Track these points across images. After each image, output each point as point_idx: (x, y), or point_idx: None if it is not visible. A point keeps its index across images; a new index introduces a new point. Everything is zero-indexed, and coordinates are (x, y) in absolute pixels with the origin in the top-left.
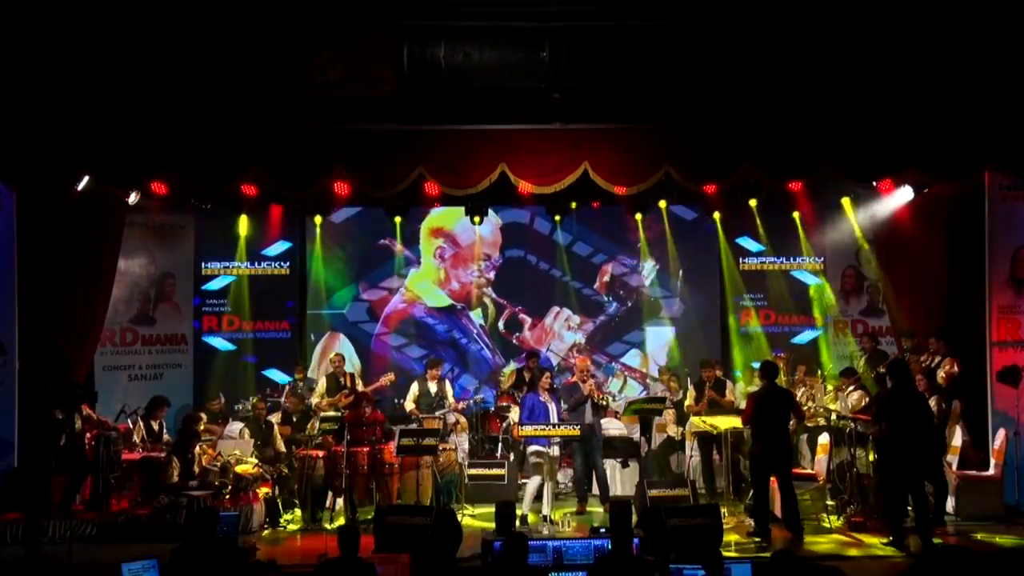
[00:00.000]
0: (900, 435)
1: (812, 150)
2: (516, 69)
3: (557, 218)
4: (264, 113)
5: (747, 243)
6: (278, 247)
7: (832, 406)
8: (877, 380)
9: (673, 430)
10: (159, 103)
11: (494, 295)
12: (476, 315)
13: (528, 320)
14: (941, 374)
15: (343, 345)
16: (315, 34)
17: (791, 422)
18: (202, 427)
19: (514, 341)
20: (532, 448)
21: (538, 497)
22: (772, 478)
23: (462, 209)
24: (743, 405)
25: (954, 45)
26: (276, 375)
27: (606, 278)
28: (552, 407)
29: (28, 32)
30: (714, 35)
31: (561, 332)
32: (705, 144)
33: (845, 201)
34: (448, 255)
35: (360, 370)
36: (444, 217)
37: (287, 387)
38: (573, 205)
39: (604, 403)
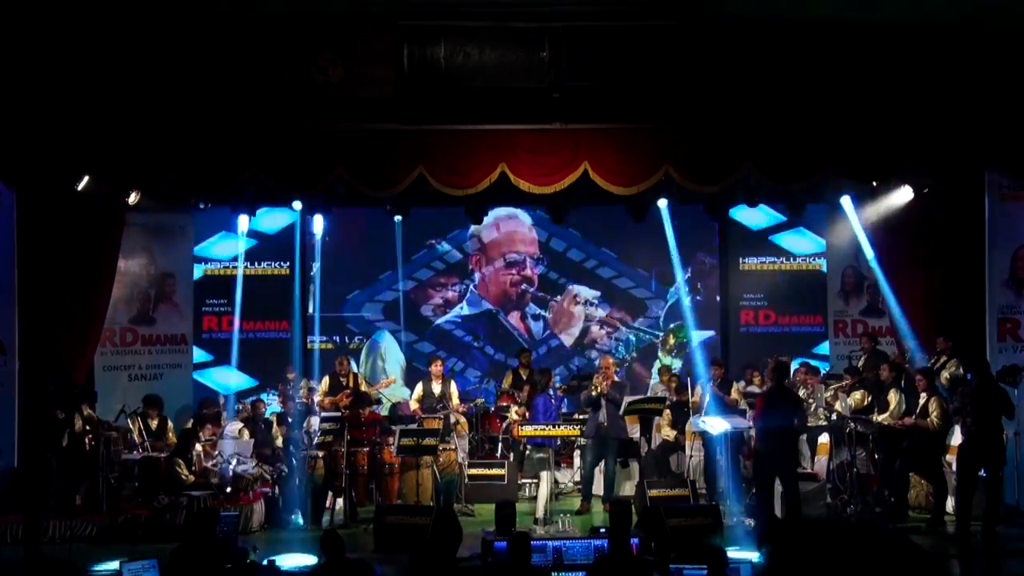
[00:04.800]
0: (983, 428)
1: (812, 150)
2: (516, 69)
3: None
4: (264, 113)
5: (746, 244)
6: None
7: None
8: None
9: (668, 432)
10: (159, 103)
11: (533, 291)
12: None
13: (553, 306)
14: (946, 375)
15: (388, 343)
16: (315, 34)
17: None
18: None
19: (549, 331)
20: (534, 447)
21: (533, 497)
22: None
23: (498, 215)
24: (743, 404)
25: (953, 45)
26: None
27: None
28: (553, 408)
29: (28, 32)
30: (714, 35)
31: (574, 311)
32: (705, 144)
33: (845, 200)
34: (482, 261)
35: (405, 369)
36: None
37: (280, 388)
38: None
39: (594, 394)
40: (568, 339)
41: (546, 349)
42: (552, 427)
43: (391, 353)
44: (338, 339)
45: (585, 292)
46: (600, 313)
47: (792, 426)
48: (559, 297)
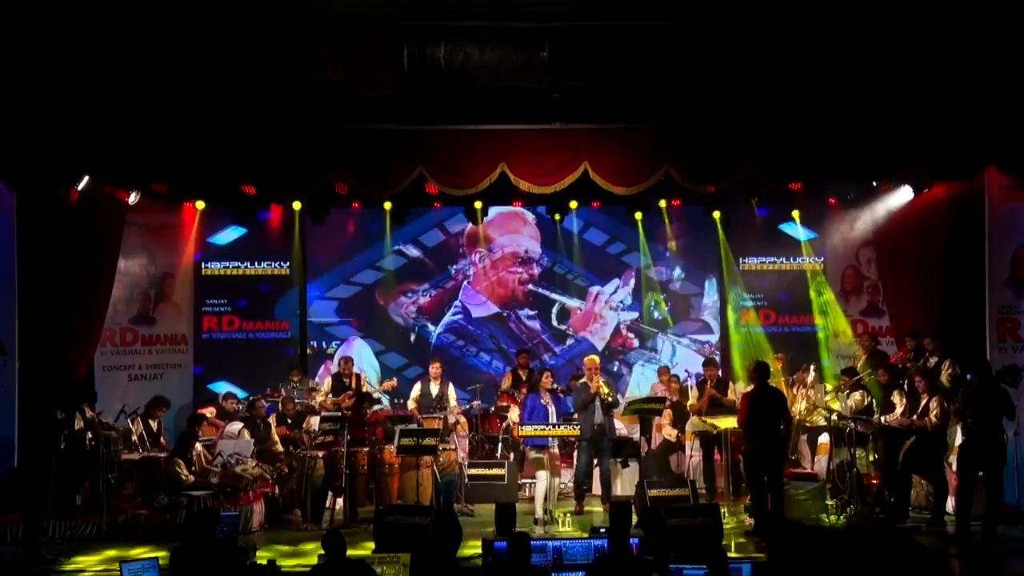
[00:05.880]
0: (984, 428)
1: (812, 150)
2: (516, 69)
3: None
4: (264, 113)
5: (745, 243)
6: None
7: (832, 406)
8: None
9: (669, 431)
10: (159, 103)
11: (539, 290)
12: (526, 313)
13: (574, 307)
14: (944, 375)
15: (360, 349)
16: (315, 34)
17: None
18: (203, 431)
19: (567, 331)
20: (531, 447)
21: (533, 497)
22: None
23: (497, 214)
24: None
25: (953, 45)
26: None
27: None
28: (552, 408)
29: (28, 32)
30: (714, 35)
31: (603, 313)
32: (705, 144)
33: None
34: (486, 260)
35: (379, 374)
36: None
37: (282, 390)
38: (573, 205)
39: (609, 399)
40: (600, 342)
41: (573, 351)
42: (551, 427)
43: (366, 360)
44: (315, 344)
45: (607, 290)
46: (630, 316)
47: (778, 425)
48: (575, 300)
